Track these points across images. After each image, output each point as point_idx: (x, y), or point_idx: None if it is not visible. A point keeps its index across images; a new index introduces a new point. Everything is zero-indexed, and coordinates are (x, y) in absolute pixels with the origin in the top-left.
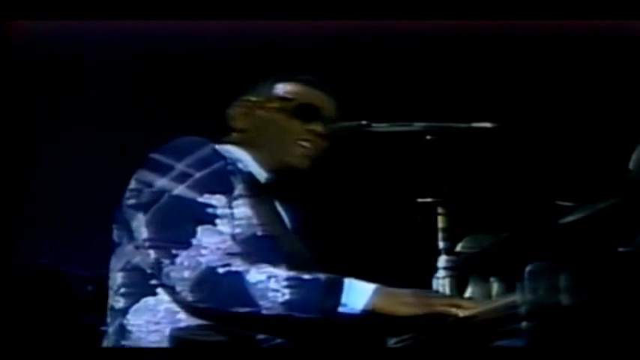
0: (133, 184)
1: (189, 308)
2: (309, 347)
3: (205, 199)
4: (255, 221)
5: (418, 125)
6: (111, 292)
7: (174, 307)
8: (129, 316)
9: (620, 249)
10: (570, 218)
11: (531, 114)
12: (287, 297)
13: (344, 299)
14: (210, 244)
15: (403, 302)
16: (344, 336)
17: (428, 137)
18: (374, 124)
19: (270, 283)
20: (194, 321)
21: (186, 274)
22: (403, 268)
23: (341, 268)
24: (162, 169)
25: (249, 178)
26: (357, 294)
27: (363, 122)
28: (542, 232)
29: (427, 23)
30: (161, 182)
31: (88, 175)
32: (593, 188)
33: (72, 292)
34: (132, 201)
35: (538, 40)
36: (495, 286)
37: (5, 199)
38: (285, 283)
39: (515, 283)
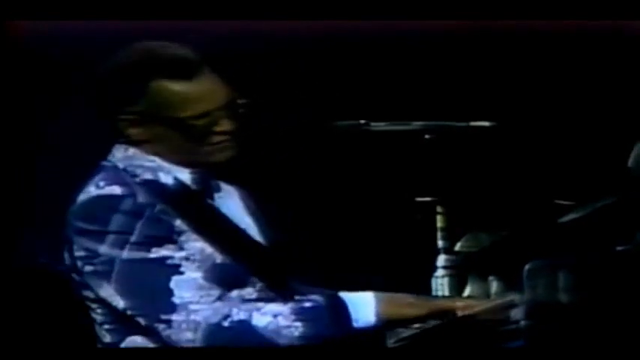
0: (79, 252)
1: None
2: (313, 347)
3: (155, 253)
4: (208, 250)
5: (417, 124)
6: (96, 326)
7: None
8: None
9: (619, 247)
10: (569, 217)
11: (530, 113)
12: (301, 329)
13: (353, 315)
14: (194, 297)
15: (408, 304)
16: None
17: (427, 136)
18: (372, 124)
19: (279, 321)
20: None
21: (190, 335)
22: (402, 268)
23: (340, 268)
24: (96, 236)
25: (177, 186)
26: (362, 306)
27: (362, 121)
28: (541, 230)
29: (425, 23)
30: (104, 249)
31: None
32: (591, 187)
33: (70, 293)
34: (89, 268)
35: (536, 40)
36: (494, 285)
37: (5, 200)
38: (293, 317)
39: (514, 281)
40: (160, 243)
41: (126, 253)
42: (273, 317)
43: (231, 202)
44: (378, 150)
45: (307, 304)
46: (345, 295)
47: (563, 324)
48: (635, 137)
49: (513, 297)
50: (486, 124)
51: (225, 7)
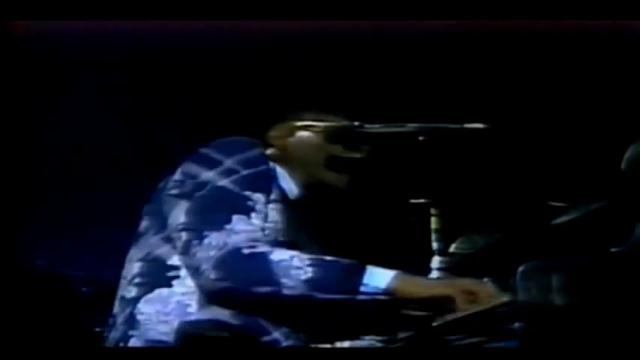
0: (177, 176)
1: (210, 292)
2: (313, 348)
3: (246, 194)
4: (280, 226)
5: (411, 126)
6: (123, 282)
7: (186, 299)
8: (140, 305)
9: (613, 249)
10: (563, 219)
11: (524, 115)
12: (309, 275)
13: (365, 279)
14: (242, 230)
15: (424, 284)
16: (360, 320)
17: (421, 138)
18: (367, 125)
19: (294, 261)
20: (203, 315)
21: (212, 252)
22: (397, 269)
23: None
24: (211, 163)
25: (281, 190)
26: (379, 276)
27: (356, 123)
28: (535, 232)
29: (419, 24)
30: (207, 175)
31: (87, 176)
32: (585, 189)
33: (69, 293)
34: (174, 191)
35: (530, 42)
36: (489, 285)
37: (4, 200)
38: (307, 262)
39: (508, 283)
40: (254, 189)
41: (225, 181)
42: (290, 257)
43: None
44: (371, 152)
45: (328, 258)
46: (369, 266)
47: (557, 325)
48: (628, 139)
49: (507, 298)
50: (480, 126)
51: (226, 7)
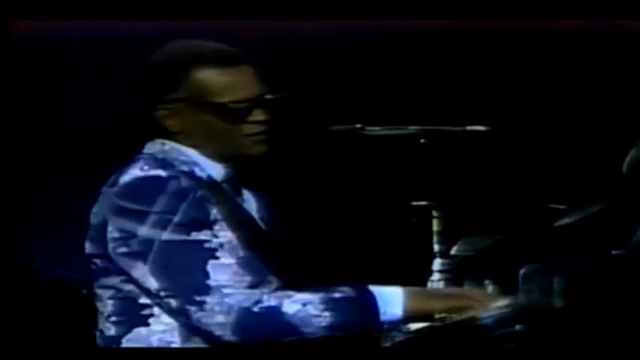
0: (114, 234)
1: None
2: (309, 347)
3: (194, 237)
4: (235, 242)
5: (412, 128)
6: (101, 316)
7: (168, 337)
8: (123, 345)
9: (614, 251)
10: (564, 221)
11: (525, 117)
12: (329, 319)
13: (381, 308)
14: (228, 282)
15: (434, 298)
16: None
17: (422, 140)
18: (368, 128)
19: (309, 309)
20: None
21: (221, 318)
22: (398, 272)
23: (336, 271)
24: (137, 216)
25: (209, 181)
26: (390, 299)
27: (358, 125)
28: (537, 234)
29: (421, 26)
30: (143, 230)
31: (88, 177)
32: (586, 191)
33: (68, 295)
34: (122, 249)
35: (530, 43)
36: (490, 289)
37: (4, 201)
38: (322, 307)
39: (510, 286)
40: (198, 227)
41: (166, 235)
42: (303, 306)
43: (250, 208)
44: (373, 154)
45: (337, 295)
46: (374, 289)
47: (558, 328)
48: (629, 142)
49: (509, 301)
50: (482, 128)
51: (225, 7)
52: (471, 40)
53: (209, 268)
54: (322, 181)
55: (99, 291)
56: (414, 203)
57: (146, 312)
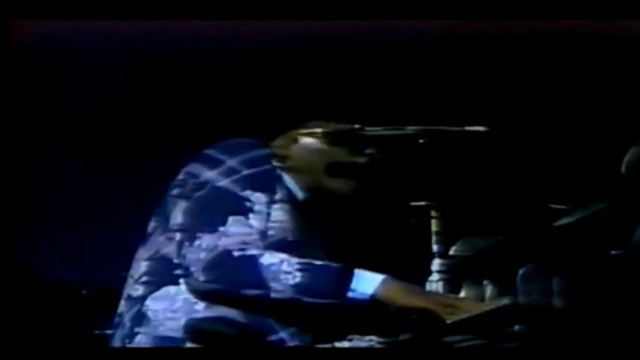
0: (180, 176)
1: (199, 293)
2: (313, 347)
3: (246, 194)
4: (287, 226)
5: (411, 129)
6: (130, 281)
7: (192, 297)
8: (147, 302)
9: (613, 251)
10: (563, 221)
11: (524, 117)
12: (298, 280)
13: (353, 285)
14: (235, 233)
15: (409, 294)
16: (348, 325)
17: (421, 141)
18: (367, 128)
19: (283, 265)
20: (210, 313)
21: (202, 255)
22: (397, 272)
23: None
24: (213, 163)
25: (289, 192)
26: (367, 281)
27: (356, 126)
28: (536, 235)
29: (420, 26)
30: (208, 174)
31: (88, 177)
32: (585, 191)
33: (69, 296)
34: (176, 191)
35: (529, 43)
36: (489, 289)
37: (4, 201)
38: (297, 267)
39: (509, 286)
40: (256, 189)
41: (224, 182)
42: (280, 261)
43: None
44: (372, 154)
45: (317, 262)
46: (357, 270)
47: (557, 327)
48: (628, 142)
49: (507, 301)
50: (481, 128)
51: (225, 7)
52: (470, 40)
53: (231, 219)
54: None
55: (140, 252)
56: (413, 203)
57: (179, 272)
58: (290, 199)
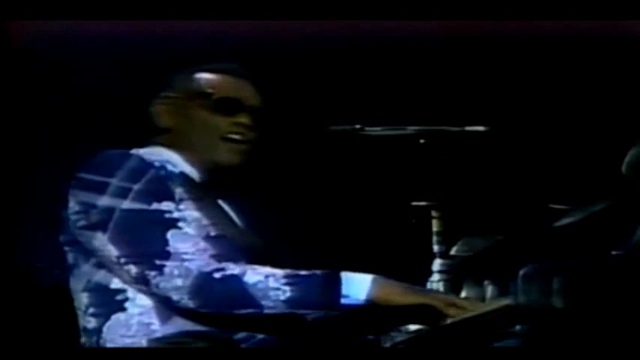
0: (75, 208)
1: (197, 318)
2: (300, 348)
3: (155, 206)
4: (204, 222)
5: (412, 129)
6: (80, 313)
7: (146, 318)
8: (103, 335)
9: (614, 252)
10: (564, 221)
11: (525, 117)
12: (288, 294)
13: (344, 291)
14: (189, 249)
15: (402, 292)
16: (343, 333)
17: (421, 141)
18: (367, 128)
19: (270, 282)
20: (169, 329)
21: (180, 282)
22: (397, 272)
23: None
24: (98, 187)
25: (183, 179)
26: (356, 284)
27: (357, 126)
28: (536, 235)
29: (421, 26)
30: (103, 201)
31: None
32: (586, 191)
33: (69, 296)
34: (82, 222)
35: (530, 43)
36: (489, 289)
37: (4, 201)
38: (284, 281)
39: (509, 286)
40: (160, 198)
41: (127, 203)
42: (265, 277)
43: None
44: (373, 155)
45: (303, 272)
46: (344, 273)
47: (558, 328)
48: (629, 142)
49: (508, 301)
50: (481, 128)
51: (225, 7)
52: (471, 40)
53: (169, 235)
54: (322, 182)
55: (73, 284)
56: (414, 203)
57: (120, 297)
58: (189, 189)
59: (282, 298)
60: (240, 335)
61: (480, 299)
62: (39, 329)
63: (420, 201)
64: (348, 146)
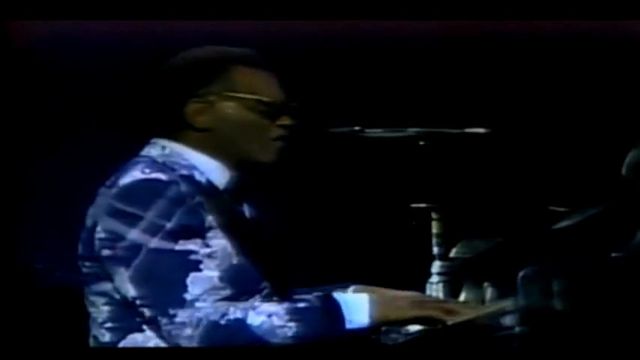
0: (101, 234)
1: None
2: (308, 347)
3: (183, 246)
4: (229, 250)
5: (412, 131)
6: (93, 323)
7: (162, 343)
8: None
9: (613, 254)
10: (563, 223)
11: (524, 119)
12: (295, 329)
13: (347, 316)
14: (203, 294)
15: (400, 307)
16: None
17: (421, 143)
18: (367, 130)
19: (274, 321)
20: None
21: (189, 331)
22: (397, 274)
23: (336, 274)
24: (130, 220)
25: (208, 187)
26: (356, 308)
27: (357, 128)
28: (536, 237)
29: (421, 27)
30: (133, 235)
31: (87, 177)
32: (586, 194)
33: (69, 297)
34: (107, 252)
35: (529, 45)
36: (489, 291)
37: (4, 201)
38: (287, 318)
39: (509, 288)
40: (189, 235)
41: (155, 242)
42: (268, 317)
43: (249, 214)
44: (373, 156)
45: (301, 305)
46: (339, 296)
47: (558, 330)
48: (629, 144)
49: (508, 303)
50: (481, 130)
51: (225, 7)
52: (471, 41)
53: (189, 280)
54: (321, 184)
55: (92, 297)
56: (414, 205)
57: (140, 319)
58: (212, 201)
59: (289, 334)
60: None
61: (480, 301)
62: (39, 329)
63: (419, 203)
64: (347, 148)
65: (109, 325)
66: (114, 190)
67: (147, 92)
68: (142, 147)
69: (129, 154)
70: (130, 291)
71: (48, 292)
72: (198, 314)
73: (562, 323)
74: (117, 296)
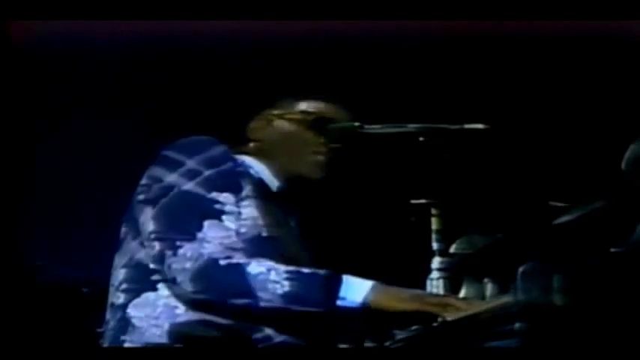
0: (143, 180)
1: (188, 301)
2: (308, 347)
3: (213, 195)
4: (260, 222)
5: (411, 127)
6: (112, 289)
7: (173, 301)
8: (129, 310)
9: (613, 249)
10: (563, 219)
11: (524, 115)
12: (286, 289)
13: (342, 293)
14: (215, 238)
15: (399, 298)
16: (339, 332)
17: (421, 139)
18: (367, 126)
19: (271, 275)
20: (192, 316)
21: (188, 265)
22: (397, 270)
23: (335, 268)
24: (173, 165)
25: (259, 184)
26: (356, 289)
27: (356, 124)
28: (536, 233)
29: (420, 24)
30: (171, 178)
31: (88, 176)
32: (586, 189)
33: (69, 294)
34: (141, 196)
35: (529, 41)
36: (489, 287)
37: (4, 200)
38: (285, 276)
39: (509, 284)
40: (222, 189)
41: (190, 185)
42: (267, 270)
43: None
44: (372, 152)
45: (306, 271)
46: (346, 277)
47: (558, 326)
48: (629, 139)
49: (508, 299)
50: (480, 126)
51: (225, 7)
52: (470, 38)
53: (206, 224)
54: (320, 179)
55: (116, 260)
56: (413, 201)
57: (155, 277)
58: (260, 192)
59: (279, 292)
60: (259, 335)
61: (480, 297)
62: (38, 330)
63: (419, 199)
64: (347, 144)
65: (124, 286)
66: (169, 146)
67: (151, 92)
68: (142, 147)
69: (129, 154)
70: (150, 226)
71: (49, 290)
72: (203, 250)
73: (562, 319)
74: (137, 255)
